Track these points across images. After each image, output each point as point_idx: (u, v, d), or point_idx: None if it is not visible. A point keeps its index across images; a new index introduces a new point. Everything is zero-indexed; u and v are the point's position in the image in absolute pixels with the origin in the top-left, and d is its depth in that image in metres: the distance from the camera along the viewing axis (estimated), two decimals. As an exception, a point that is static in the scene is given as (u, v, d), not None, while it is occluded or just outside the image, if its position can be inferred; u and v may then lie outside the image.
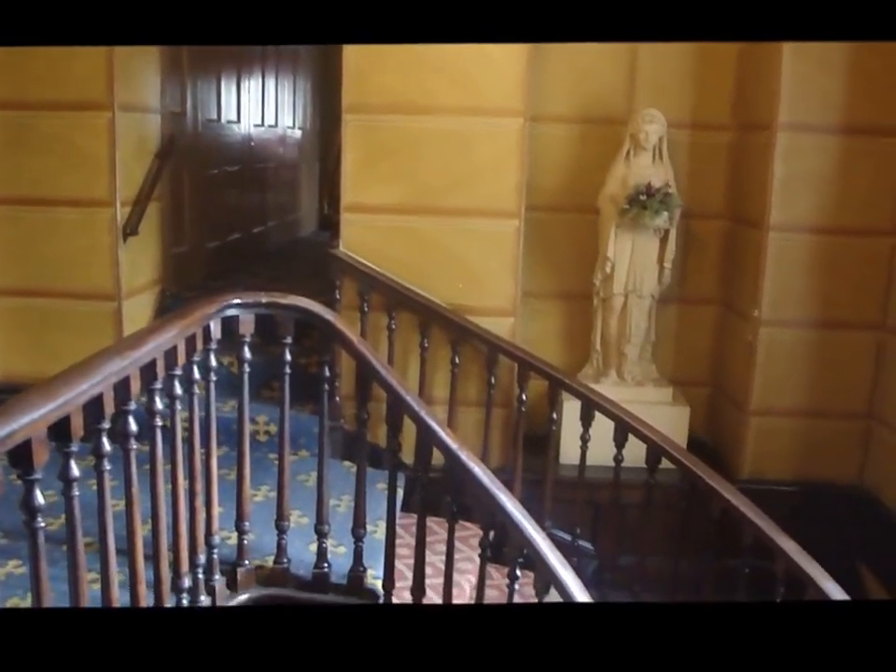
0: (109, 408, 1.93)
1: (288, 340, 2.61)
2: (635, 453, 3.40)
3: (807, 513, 3.73)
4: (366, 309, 3.79)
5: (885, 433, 3.87)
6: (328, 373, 2.69)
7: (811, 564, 3.07)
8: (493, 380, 3.72)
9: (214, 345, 2.49)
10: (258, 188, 6.21)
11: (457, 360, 3.75)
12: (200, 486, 2.50)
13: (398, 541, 3.27)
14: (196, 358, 2.41)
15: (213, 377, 2.52)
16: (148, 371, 2.13)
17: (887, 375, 3.90)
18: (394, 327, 3.80)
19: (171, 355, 2.24)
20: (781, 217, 3.91)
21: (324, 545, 2.78)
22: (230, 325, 2.56)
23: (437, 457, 2.58)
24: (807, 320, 3.96)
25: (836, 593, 2.99)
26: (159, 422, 2.21)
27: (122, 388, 1.99)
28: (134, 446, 2.06)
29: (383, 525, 2.80)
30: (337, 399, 3.74)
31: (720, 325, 4.49)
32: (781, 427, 4.00)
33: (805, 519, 3.47)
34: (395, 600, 2.82)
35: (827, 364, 3.98)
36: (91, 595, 1.96)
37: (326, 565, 2.79)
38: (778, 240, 3.93)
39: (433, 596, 2.87)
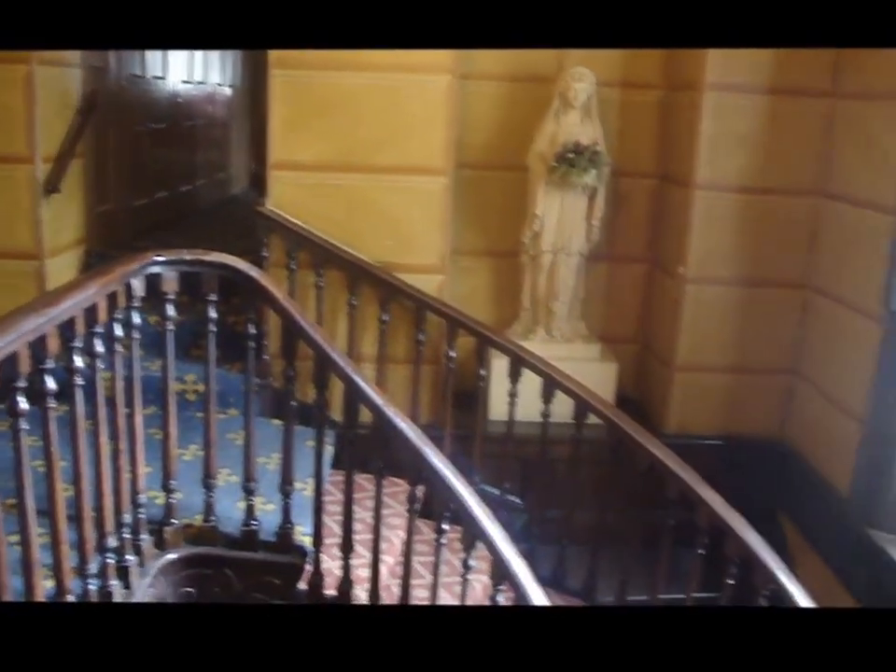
0: (25, 366, 1.89)
1: (213, 297, 2.57)
2: (563, 408, 3.45)
3: (730, 466, 3.83)
4: (294, 267, 3.75)
5: (806, 388, 3.98)
6: (253, 331, 2.66)
7: (733, 515, 3.15)
8: (421, 337, 3.73)
9: (137, 303, 2.45)
10: (186, 145, 6.08)
11: (386, 318, 3.75)
12: (124, 445, 2.48)
13: (328, 498, 3.28)
14: (118, 316, 2.37)
15: (136, 335, 2.48)
16: (67, 329, 2.09)
17: (809, 332, 4.01)
18: (322, 285, 3.77)
19: (91, 312, 2.20)
20: (708, 176, 3.96)
21: (252, 503, 2.78)
22: (157, 283, 2.52)
23: (366, 415, 2.59)
24: (733, 278, 4.03)
25: (756, 542, 3.09)
26: (79, 380, 2.18)
27: (39, 346, 1.95)
28: (53, 405, 2.03)
29: (312, 483, 2.80)
30: (265, 357, 3.71)
31: (647, 283, 4.56)
32: (706, 382, 4.09)
33: (728, 472, 3.57)
34: (324, 557, 2.84)
35: (751, 321, 4.07)
36: (11, 557, 1.95)
37: (254, 522, 2.79)
38: (705, 198, 3.98)
39: (360, 550, 2.88)
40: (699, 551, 3.20)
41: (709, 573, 3.24)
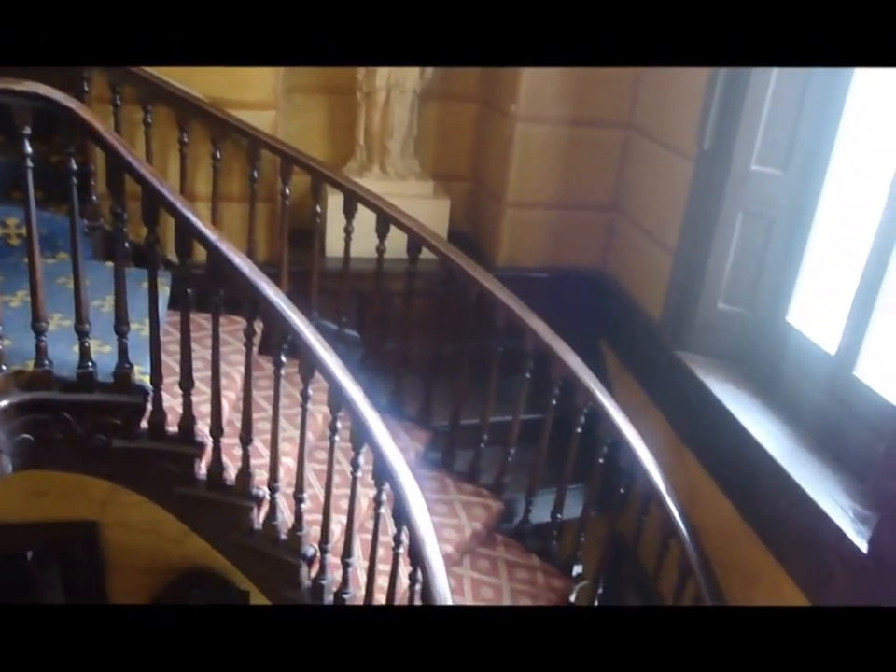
0: None
1: (27, 131, 2.43)
2: (397, 244, 3.53)
3: (555, 297, 4.05)
4: (118, 102, 3.57)
5: (625, 223, 4.19)
6: (74, 167, 2.55)
7: (557, 341, 3.37)
8: (255, 174, 3.67)
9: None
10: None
11: (219, 156, 3.66)
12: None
13: (166, 339, 3.29)
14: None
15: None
16: None
17: (630, 171, 4.18)
18: (150, 121, 3.62)
19: None
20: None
21: (86, 344, 2.74)
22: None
23: (200, 253, 2.58)
24: (561, 117, 4.12)
25: (578, 365, 3.33)
26: None
27: None
28: None
29: (149, 323, 2.78)
30: (94, 198, 3.57)
31: (480, 121, 4.60)
32: (534, 218, 4.23)
33: (553, 302, 3.77)
34: (165, 396, 2.86)
35: (577, 159, 4.19)
36: None
37: (90, 364, 2.76)
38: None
39: (202, 387, 2.93)
40: (526, 375, 3.42)
41: (535, 395, 3.47)
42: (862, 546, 2.45)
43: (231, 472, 2.93)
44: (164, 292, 3.37)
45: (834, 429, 2.95)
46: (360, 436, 2.61)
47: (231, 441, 2.99)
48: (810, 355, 3.16)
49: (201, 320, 3.36)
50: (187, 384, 2.79)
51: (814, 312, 3.29)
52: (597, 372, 3.37)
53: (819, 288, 3.30)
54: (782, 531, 2.87)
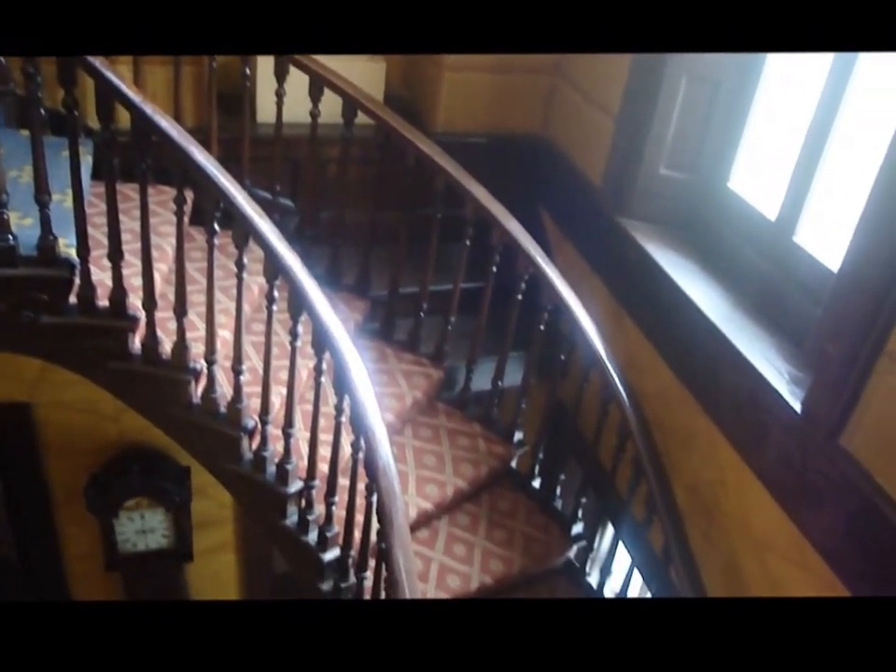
0: None
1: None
2: (331, 108, 3.39)
3: (495, 162, 3.96)
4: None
5: (567, 88, 4.08)
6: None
7: (497, 207, 3.32)
8: (180, 35, 3.46)
9: None
10: None
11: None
12: None
13: (92, 210, 3.13)
14: None
15: None
16: None
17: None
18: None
19: None
20: None
21: (5, 216, 2.60)
22: None
23: (124, 118, 2.45)
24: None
25: (518, 231, 3.28)
26: None
27: None
28: None
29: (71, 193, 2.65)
30: (2, 60, 3.34)
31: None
32: (474, 81, 4.09)
33: (492, 168, 3.69)
34: (94, 269, 2.76)
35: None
36: None
37: (10, 237, 2.63)
38: None
39: (132, 260, 2.82)
40: (466, 242, 3.38)
41: (475, 263, 3.44)
42: (796, 406, 2.51)
43: (167, 346, 2.86)
44: (87, 161, 3.20)
45: (773, 294, 2.98)
46: (299, 304, 2.56)
47: (165, 315, 2.92)
48: (751, 220, 3.17)
49: (127, 191, 3.21)
50: (115, 256, 2.69)
51: (756, 178, 3.28)
52: (537, 239, 3.34)
53: (761, 154, 3.28)
54: (719, 394, 2.92)
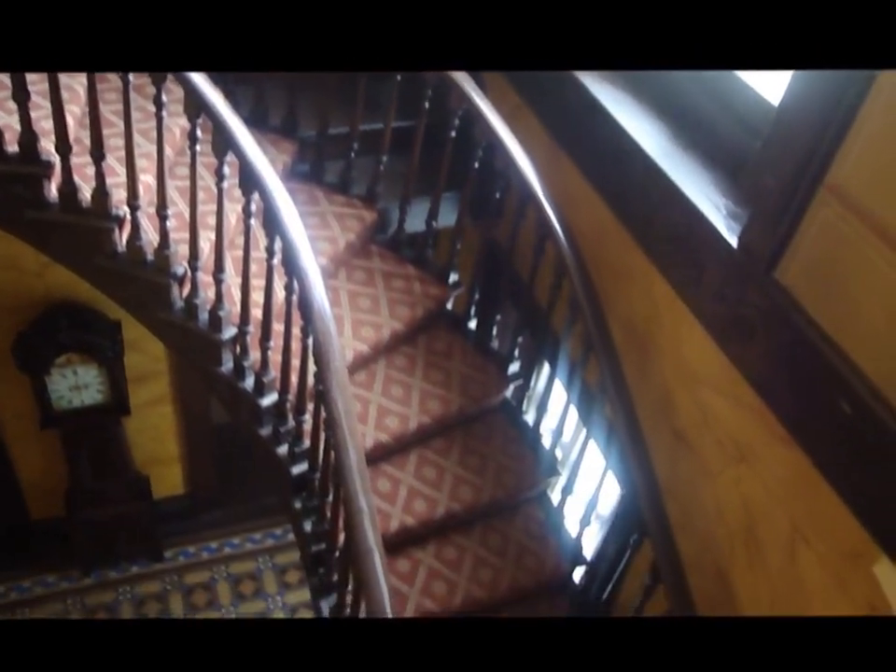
0: None
1: None
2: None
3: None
4: None
5: None
6: None
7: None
8: None
9: None
10: None
11: None
12: None
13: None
14: None
15: None
16: None
17: None
18: None
19: None
20: None
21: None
22: None
23: None
24: None
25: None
26: None
27: None
28: None
29: None
30: None
31: None
32: None
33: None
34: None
35: None
36: None
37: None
38: None
39: (41, 102, 2.64)
40: (397, 77, 3.23)
41: (407, 101, 3.31)
42: (733, 241, 2.51)
43: (86, 193, 2.73)
44: None
45: (710, 127, 2.93)
46: (224, 143, 2.45)
47: (81, 161, 2.77)
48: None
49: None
50: (21, 95, 2.50)
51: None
52: (471, 74, 3.21)
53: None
54: (655, 230, 2.91)
